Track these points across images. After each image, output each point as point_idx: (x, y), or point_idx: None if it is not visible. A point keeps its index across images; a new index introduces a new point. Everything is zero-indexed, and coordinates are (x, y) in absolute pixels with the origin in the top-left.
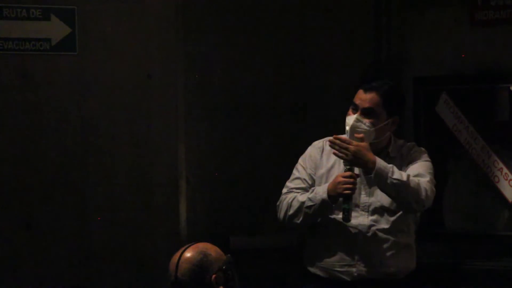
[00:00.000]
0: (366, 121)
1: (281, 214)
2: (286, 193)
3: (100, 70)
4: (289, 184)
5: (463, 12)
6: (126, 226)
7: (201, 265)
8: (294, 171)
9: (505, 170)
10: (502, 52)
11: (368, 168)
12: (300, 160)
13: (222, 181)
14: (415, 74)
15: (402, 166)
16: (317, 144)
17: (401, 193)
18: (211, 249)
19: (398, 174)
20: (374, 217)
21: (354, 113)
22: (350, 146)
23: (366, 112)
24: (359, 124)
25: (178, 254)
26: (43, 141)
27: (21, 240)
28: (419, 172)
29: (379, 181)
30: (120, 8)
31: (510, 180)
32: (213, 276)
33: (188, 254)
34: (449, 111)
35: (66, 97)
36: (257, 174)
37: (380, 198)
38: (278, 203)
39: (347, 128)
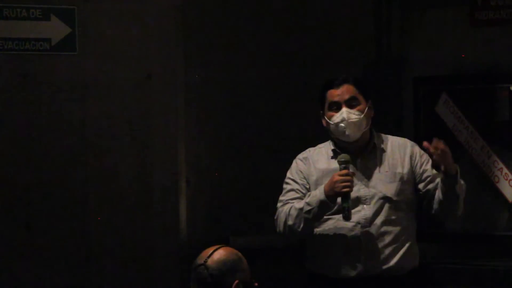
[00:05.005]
0: (354, 110)
1: (280, 227)
2: (282, 205)
3: (100, 70)
4: (283, 197)
5: (463, 12)
6: (126, 226)
7: (233, 263)
8: (285, 186)
9: (505, 170)
10: (501, 52)
11: (452, 170)
12: (289, 175)
13: (222, 181)
14: (415, 74)
15: (398, 161)
16: (301, 156)
17: (461, 201)
18: (245, 261)
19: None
20: (376, 208)
21: (337, 111)
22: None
23: (350, 103)
24: (351, 115)
25: (215, 246)
26: (43, 141)
27: (21, 240)
28: None
29: (454, 185)
30: (120, 8)
31: (510, 180)
32: (236, 281)
33: (226, 250)
34: (449, 111)
35: (66, 97)
36: (257, 174)
37: (381, 188)
38: (275, 218)
39: (343, 124)
